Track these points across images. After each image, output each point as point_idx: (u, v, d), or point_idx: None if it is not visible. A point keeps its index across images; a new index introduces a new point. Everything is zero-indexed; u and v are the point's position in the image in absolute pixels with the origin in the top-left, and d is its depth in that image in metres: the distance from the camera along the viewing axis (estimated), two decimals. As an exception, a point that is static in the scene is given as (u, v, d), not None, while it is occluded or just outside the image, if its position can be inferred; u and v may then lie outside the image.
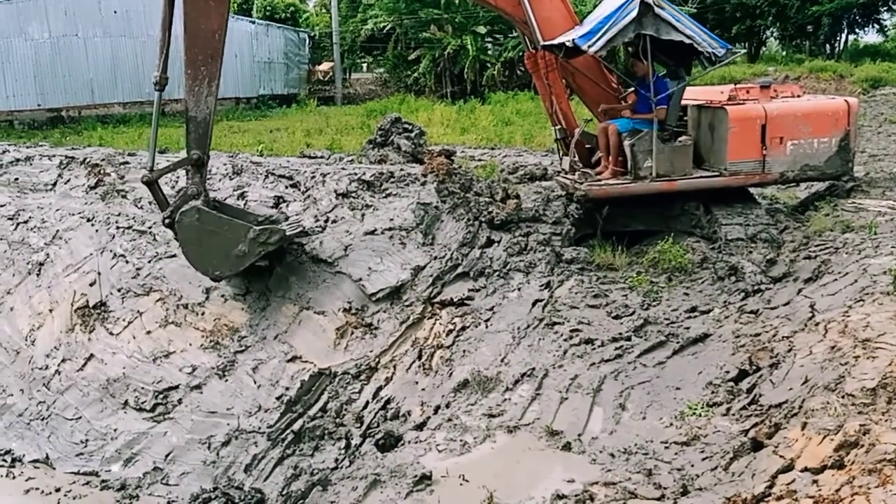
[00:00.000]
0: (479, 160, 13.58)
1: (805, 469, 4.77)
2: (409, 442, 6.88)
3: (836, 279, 7.64)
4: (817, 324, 6.73)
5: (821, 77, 22.21)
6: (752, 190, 10.39)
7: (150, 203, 10.83)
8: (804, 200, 10.94)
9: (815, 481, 4.62)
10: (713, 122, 9.64)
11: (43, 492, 8.30)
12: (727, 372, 6.72)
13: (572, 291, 8.66)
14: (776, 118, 9.49)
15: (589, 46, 8.59)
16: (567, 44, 8.90)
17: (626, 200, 9.49)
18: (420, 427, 7.20)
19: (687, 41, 8.77)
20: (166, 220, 8.36)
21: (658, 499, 5.20)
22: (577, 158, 9.75)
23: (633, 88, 10.01)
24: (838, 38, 28.50)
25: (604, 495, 5.37)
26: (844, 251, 8.31)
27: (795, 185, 11.63)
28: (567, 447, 6.24)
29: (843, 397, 5.24)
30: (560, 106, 9.65)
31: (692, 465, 5.53)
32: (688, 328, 7.73)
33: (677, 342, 7.48)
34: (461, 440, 6.52)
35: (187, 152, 8.29)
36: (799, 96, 10.25)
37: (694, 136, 9.80)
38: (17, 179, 12.18)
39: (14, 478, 8.62)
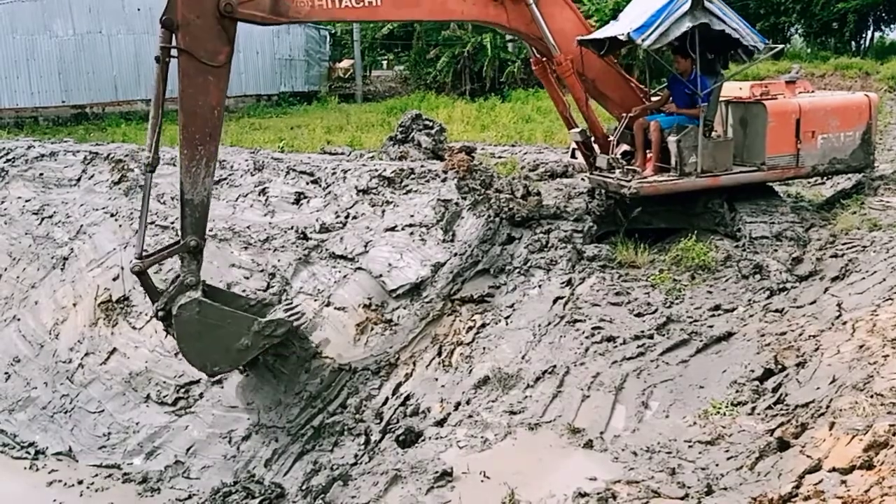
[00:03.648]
0: (500, 157, 13.52)
1: (833, 469, 4.68)
2: (430, 438, 6.86)
3: (863, 277, 7.51)
4: (845, 322, 6.62)
5: (846, 74, 21.88)
6: (777, 188, 10.30)
7: (172, 199, 10.91)
8: (830, 198, 10.79)
9: (843, 482, 4.53)
10: (746, 118, 9.63)
11: (66, 484, 8.40)
12: (752, 371, 6.62)
13: (594, 289, 8.59)
14: (809, 112, 9.57)
15: (643, 40, 8.55)
16: (620, 37, 8.83)
17: (670, 198, 9.42)
18: (440, 423, 7.17)
19: (734, 34, 8.75)
20: (160, 313, 7.58)
21: (682, 498, 5.13)
22: (619, 157, 9.64)
23: (663, 86, 9.95)
24: (864, 36, 28.08)
25: (626, 494, 5.30)
26: (872, 249, 8.18)
27: (822, 179, 11.58)
28: (589, 445, 6.18)
29: (871, 397, 5.14)
30: (582, 110, 9.58)
31: (717, 465, 5.45)
32: (711, 326, 7.63)
33: (701, 340, 7.39)
34: (482, 437, 6.48)
35: (182, 237, 7.47)
36: (812, 92, 10.35)
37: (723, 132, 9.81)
38: (41, 175, 12.32)
39: (37, 470, 8.74)
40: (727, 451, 5.58)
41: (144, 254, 7.49)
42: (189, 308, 7.41)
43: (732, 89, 9.93)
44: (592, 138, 9.88)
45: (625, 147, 9.97)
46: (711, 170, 9.23)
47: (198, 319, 7.46)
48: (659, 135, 9.37)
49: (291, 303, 8.99)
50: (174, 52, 7.05)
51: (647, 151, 9.62)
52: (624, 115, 9.65)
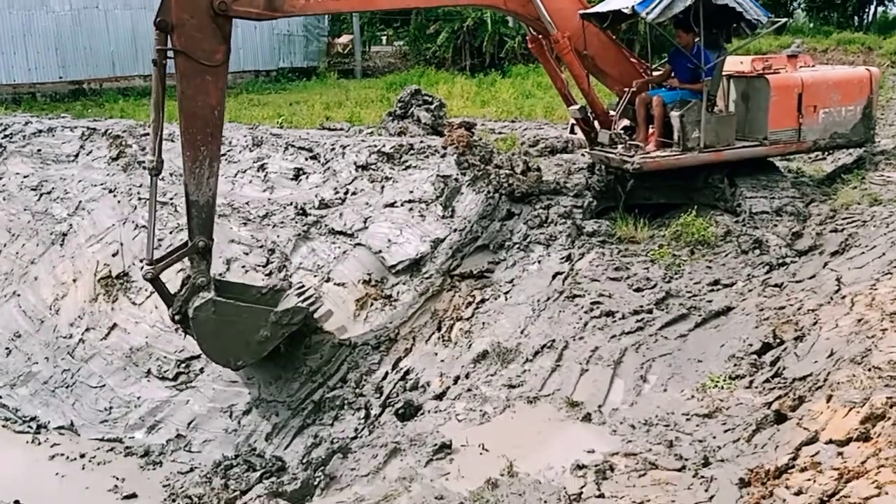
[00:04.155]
0: (500, 133, 13.46)
1: (830, 441, 4.70)
2: (429, 411, 6.91)
3: (863, 252, 7.51)
4: (844, 297, 6.63)
5: (848, 49, 21.74)
6: (777, 163, 10.28)
7: (171, 174, 10.87)
8: (831, 173, 10.76)
9: (840, 453, 4.56)
10: (748, 92, 9.59)
11: (68, 458, 8.47)
12: (750, 345, 6.64)
13: (593, 264, 8.59)
14: (811, 87, 9.55)
15: (647, 13, 8.48)
16: (625, 10, 8.76)
17: (671, 173, 9.39)
18: (440, 397, 7.21)
19: (737, 8, 8.69)
20: (176, 316, 7.64)
21: (679, 470, 5.17)
22: (622, 131, 9.60)
23: (664, 60, 9.88)
24: (867, 10, 27.85)
25: (624, 466, 5.34)
26: (872, 224, 8.16)
27: (823, 154, 11.56)
28: (587, 418, 6.22)
29: (869, 370, 5.15)
30: (581, 87, 9.51)
31: (714, 437, 5.48)
32: (710, 301, 7.64)
33: (699, 315, 7.41)
34: (481, 410, 6.52)
35: (190, 239, 7.48)
36: (813, 66, 10.32)
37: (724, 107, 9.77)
38: (39, 151, 12.27)
39: (39, 444, 8.80)
40: (724, 423, 5.61)
41: (155, 259, 7.47)
42: (205, 309, 7.45)
43: (733, 64, 9.87)
44: (592, 114, 9.83)
45: (625, 122, 9.93)
46: (714, 145, 9.20)
47: (214, 318, 7.50)
48: (662, 110, 9.32)
49: (302, 286, 8.97)
50: (170, 53, 6.95)
51: (649, 126, 9.57)
52: (626, 89, 9.59)
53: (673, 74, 9.69)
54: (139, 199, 10.78)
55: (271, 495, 5.51)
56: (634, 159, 9.01)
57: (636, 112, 9.61)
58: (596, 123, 9.82)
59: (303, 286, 8.96)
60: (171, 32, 6.86)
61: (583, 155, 11.16)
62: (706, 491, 4.79)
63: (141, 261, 10.10)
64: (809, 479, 4.45)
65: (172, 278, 8.41)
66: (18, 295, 10.66)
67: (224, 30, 7.10)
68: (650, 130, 9.55)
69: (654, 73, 9.97)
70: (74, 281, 10.40)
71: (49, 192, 11.58)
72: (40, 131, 12.62)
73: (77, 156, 11.97)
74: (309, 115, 16.33)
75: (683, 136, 9.09)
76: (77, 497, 7.57)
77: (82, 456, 8.47)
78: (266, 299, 8.29)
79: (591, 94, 9.59)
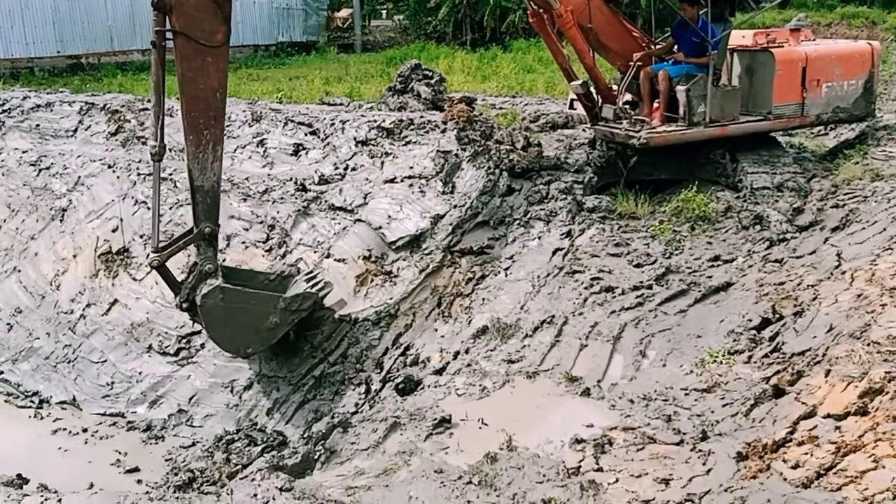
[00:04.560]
0: (501, 108, 13.38)
1: (828, 416, 4.74)
2: (429, 386, 6.94)
3: (864, 227, 7.50)
4: (844, 272, 6.63)
5: (852, 24, 21.54)
6: (779, 138, 10.23)
7: (170, 150, 10.81)
8: (833, 149, 10.72)
9: (837, 427, 4.59)
10: (752, 66, 9.55)
11: (70, 432, 8.52)
12: (749, 320, 6.66)
13: (593, 240, 8.59)
14: (815, 61, 9.53)
15: None
16: None
17: (673, 148, 9.34)
18: (439, 372, 7.24)
19: None
20: (184, 304, 7.51)
21: (677, 444, 5.20)
22: (627, 107, 9.52)
23: (667, 35, 9.79)
24: (872, -16, 27.55)
25: (622, 440, 5.38)
26: (873, 199, 8.14)
27: (826, 129, 11.54)
28: (586, 393, 6.25)
29: (868, 345, 5.17)
30: (584, 62, 9.43)
31: (712, 412, 5.52)
32: (710, 277, 7.65)
33: (699, 291, 7.42)
34: (480, 385, 6.55)
35: (196, 225, 7.32)
36: (814, 40, 10.31)
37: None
38: (38, 126, 12.21)
39: (42, 418, 8.85)
40: (723, 398, 5.64)
41: (161, 246, 7.34)
42: (212, 296, 7.32)
43: (735, 38, 9.79)
44: (594, 89, 9.75)
45: (627, 97, 9.86)
46: (719, 119, 9.17)
47: (223, 306, 7.38)
48: (667, 84, 9.25)
49: (311, 271, 8.89)
50: (169, 35, 6.78)
51: (654, 101, 9.51)
52: (631, 63, 9.50)
53: (676, 48, 9.61)
54: (138, 174, 10.75)
55: (272, 469, 5.55)
56: (641, 134, 8.94)
57: (640, 86, 9.54)
58: (598, 99, 9.75)
59: (312, 272, 8.88)
60: (170, 13, 6.68)
61: (584, 130, 11.10)
62: (704, 464, 4.83)
63: (141, 237, 10.15)
64: (807, 453, 4.49)
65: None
66: (19, 270, 10.67)
67: (224, 9, 6.92)
68: (654, 105, 9.48)
69: (657, 47, 9.88)
70: (75, 257, 10.40)
71: (48, 168, 11.53)
72: (38, 106, 12.54)
73: (76, 131, 11.91)
74: (308, 90, 16.23)
75: (689, 111, 9.04)
76: (80, 471, 7.61)
77: (85, 430, 8.52)
78: (274, 285, 8.21)
79: (594, 70, 9.51)
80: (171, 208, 10.20)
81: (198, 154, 7.06)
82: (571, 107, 10.95)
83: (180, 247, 7.52)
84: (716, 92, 9.07)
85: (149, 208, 10.34)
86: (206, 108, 7.01)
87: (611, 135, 9.49)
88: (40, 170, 11.59)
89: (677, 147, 9.33)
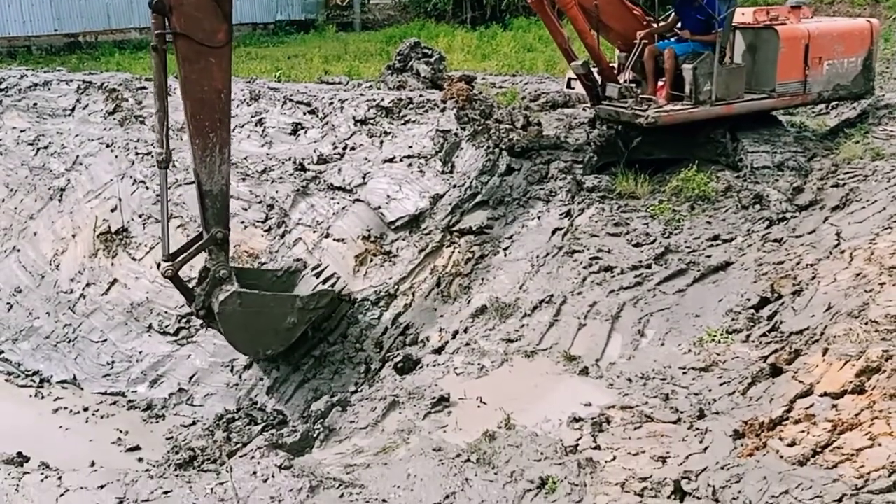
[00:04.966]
0: (500, 87, 13.31)
1: (824, 394, 4.75)
2: (428, 365, 6.96)
3: (864, 207, 7.48)
4: (843, 251, 6.62)
5: (855, 1, 21.35)
6: (780, 117, 10.20)
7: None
8: (834, 128, 10.67)
9: (834, 406, 4.61)
10: (755, 44, 9.49)
11: (71, 411, 8.56)
12: (748, 300, 6.66)
13: (593, 220, 8.57)
14: (817, 38, 9.51)
15: None
16: None
17: (674, 127, 9.28)
18: (438, 351, 7.27)
19: None
20: (200, 312, 7.39)
21: (674, 422, 5.23)
22: (634, 85, 9.44)
23: (668, 13, 9.71)
24: (877, -39, 27.28)
25: (620, 418, 5.41)
26: (874, 178, 8.12)
27: (827, 107, 11.52)
28: (584, 372, 6.27)
29: (866, 324, 5.18)
30: (586, 42, 9.35)
31: (709, 390, 5.54)
32: (709, 256, 7.64)
33: (698, 270, 7.41)
34: (479, 364, 6.57)
35: (206, 231, 7.15)
36: (812, 17, 10.28)
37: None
38: (35, 105, 12.14)
39: (43, 397, 8.89)
40: (720, 377, 5.66)
41: (171, 254, 7.15)
42: (230, 302, 7.21)
43: (735, 15, 9.71)
44: (595, 69, 9.67)
45: (628, 76, 9.78)
46: (725, 98, 9.13)
47: (241, 311, 7.28)
48: (673, 62, 9.18)
49: (319, 265, 8.83)
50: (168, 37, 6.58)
51: (658, 80, 9.44)
52: (634, 42, 9.42)
53: (680, 26, 9.53)
54: (136, 153, 10.72)
55: (271, 447, 5.58)
56: (648, 113, 8.87)
57: (644, 65, 9.46)
58: (598, 78, 9.67)
59: (319, 265, 8.80)
60: (169, 14, 6.46)
61: (584, 110, 11.04)
62: (700, 442, 4.86)
63: (140, 216, 10.14)
64: (803, 431, 4.51)
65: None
66: (18, 250, 10.67)
67: (224, 7, 6.71)
68: (659, 84, 9.42)
69: (660, 24, 9.79)
70: (74, 236, 10.39)
71: (46, 147, 11.49)
72: (36, 85, 12.47)
73: (73, 110, 11.85)
74: (307, 69, 16.13)
75: (696, 90, 8.99)
76: (81, 449, 7.66)
77: (86, 409, 8.56)
78: (282, 282, 8.16)
79: (596, 49, 9.43)
80: (168, 188, 10.14)
81: (205, 158, 6.89)
82: (569, 86, 10.88)
83: (192, 254, 7.34)
84: (721, 70, 9.02)
85: (147, 188, 10.33)
86: (211, 110, 6.83)
87: (616, 114, 9.40)
88: (38, 149, 11.54)
89: (680, 126, 9.28)
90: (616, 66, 9.85)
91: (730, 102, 9.17)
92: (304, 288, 8.37)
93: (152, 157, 10.59)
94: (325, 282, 8.44)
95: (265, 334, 7.55)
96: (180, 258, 7.23)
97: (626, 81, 9.52)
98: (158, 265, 7.25)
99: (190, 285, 7.57)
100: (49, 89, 12.32)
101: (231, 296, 7.22)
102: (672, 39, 9.51)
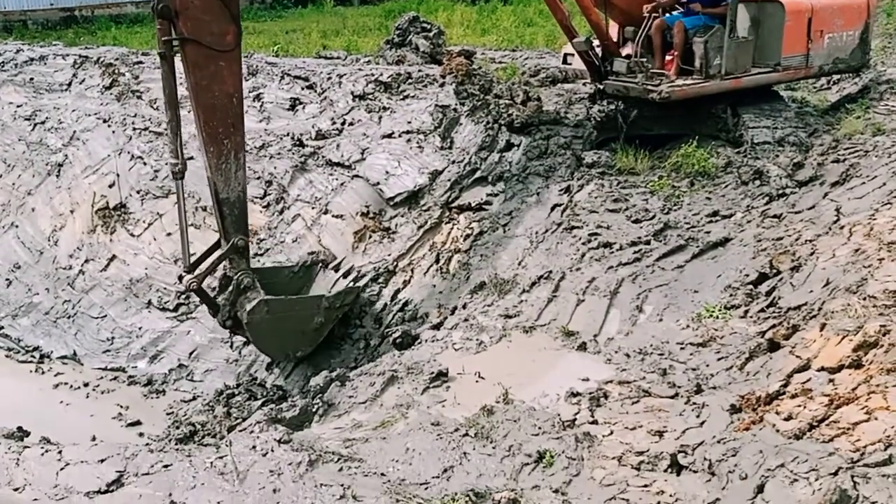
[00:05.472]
0: (500, 62, 13.20)
1: (822, 369, 4.77)
2: (427, 341, 6.97)
3: (864, 182, 7.46)
4: (842, 227, 6.61)
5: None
6: (781, 92, 10.14)
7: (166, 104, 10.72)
8: (835, 103, 10.62)
9: (831, 380, 4.63)
10: (759, 17, 9.42)
11: (72, 386, 8.59)
12: (746, 275, 6.66)
13: (592, 196, 8.55)
14: (819, 11, 9.48)
15: None
16: None
17: (678, 102, 9.20)
18: (437, 327, 7.28)
19: None
20: (227, 322, 7.23)
21: (671, 397, 5.25)
22: (644, 60, 9.33)
23: None
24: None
25: (618, 393, 5.43)
26: (874, 154, 8.09)
27: (828, 83, 11.48)
28: (582, 347, 6.29)
29: (864, 299, 5.18)
30: (591, 18, 9.25)
31: (707, 365, 5.55)
32: (708, 232, 7.63)
33: (697, 246, 7.40)
34: (477, 339, 6.59)
35: (226, 239, 6.94)
36: None
37: None
38: (32, 79, 12.07)
39: (43, 373, 8.92)
40: (718, 352, 5.67)
41: (192, 263, 6.97)
42: (258, 311, 7.10)
43: None
44: (597, 45, 9.58)
45: (628, 51, 9.70)
46: (733, 71, 9.10)
47: (269, 318, 7.18)
48: (683, 36, 9.11)
49: (334, 257, 8.74)
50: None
51: (665, 54, 9.35)
52: (645, 15, 9.31)
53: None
54: (133, 128, 10.66)
55: (270, 421, 5.60)
56: (662, 88, 8.78)
57: (651, 39, 9.37)
58: (604, 54, 9.56)
59: (334, 257, 8.70)
60: (176, 19, 6.21)
61: (584, 85, 10.96)
62: (697, 417, 4.88)
63: (138, 192, 10.11)
64: (800, 405, 4.53)
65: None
66: (16, 226, 10.65)
67: (232, 7, 6.47)
68: (667, 58, 9.34)
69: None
70: (72, 212, 10.38)
71: (43, 122, 11.44)
72: (32, 59, 12.39)
73: (70, 85, 11.77)
74: (305, 44, 16.01)
75: (706, 63, 8.93)
76: (82, 424, 7.68)
77: (86, 385, 8.60)
78: (299, 278, 8.10)
79: (600, 25, 9.34)
80: (167, 164, 10.11)
81: (220, 165, 6.67)
82: (565, 62, 10.80)
83: (214, 265, 7.15)
84: (731, 44, 8.96)
85: (145, 163, 10.29)
86: (224, 116, 6.61)
87: (625, 89, 9.27)
88: (35, 124, 11.49)
89: (684, 101, 9.21)
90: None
91: (738, 76, 9.14)
92: (323, 283, 8.27)
93: (149, 131, 10.57)
94: (345, 276, 8.32)
95: (293, 337, 7.48)
96: (203, 271, 7.04)
97: (635, 55, 9.41)
98: (185, 282, 6.97)
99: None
100: (45, 64, 12.24)
101: (258, 304, 7.09)
102: (677, 13, 9.41)
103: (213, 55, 6.42)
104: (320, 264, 8.49)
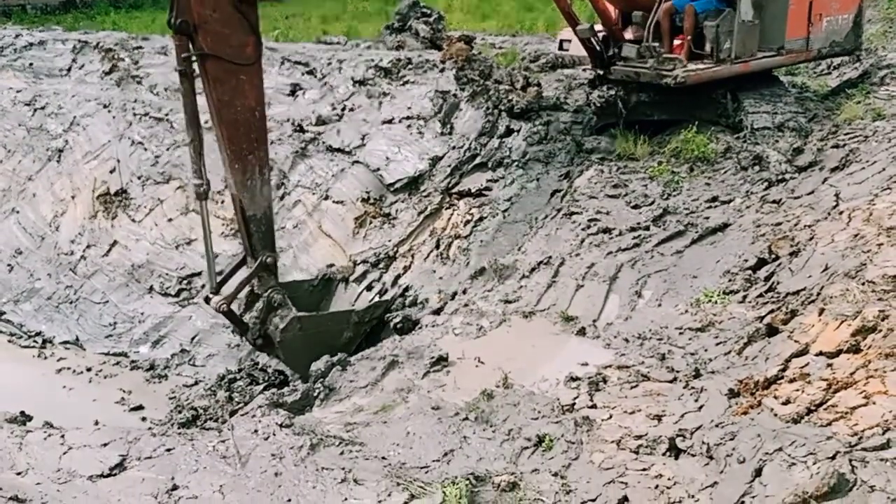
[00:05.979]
0: (500, 47, 13.17)
1: (820, 353, 4.79)
2: (427, 326, 7.00)
3: (863, 167, 7.46)
4: (841, 212, 6.62)
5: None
6: (781, 77, 10.14)
7: (165, 90, 10.71)
8: (835, 88, 10.60)
9: (829, 365, 4.65)
10: (763, 1, 9.38)
11: (75, 371, 8.64)
12: (745, 261, 6.67)
13: (592, 181, 8.56)
14: None
15: None
16: None
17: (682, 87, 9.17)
18: (437, 312, 7.31)
19: None
20: (258, 341, 7.14)
21: (670, 381, 5.27)
22: (657, 45, 9.27)
23: None
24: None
25: (616, 378, 5.45)
26: (874, 139, 8.08)
27: (828, 68, 11.51)
28: (582, 332, 6.31)
29: (863, 284, 5.20)
30: (596, 5, 9.23)
31: (706, 350, 5.58)
32: (707, 218, 7.64)
33: (696, 231, 7.41)
34: (477, 324, 6.61)
35: (254, 257, 6.77)
36: None
37: None
38: (31, 65, 12.05)
39: (46, 358, 8.97)
40: (717, 337, 5.69)
41: (218, 283, 6.84)
42: (291, 329, 7.03)
43: None
44: (599, 31, 9.54)
45: (629, 35, 9.67)
46: (741, 55, 9.10)
47: (301, 335, 7.11)
48: (693, 20, 9.08)
49: (353, 268, 8.64)
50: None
51: (673, 38, 9.33)
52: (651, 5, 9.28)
53: None
54: (134, 114, 10.66)
55: (272, 405, 5.64)
56: (676, 73, 8.74)
57: (659, 23, 9.33)
58: (609, 40, 9.51)
59: (354, 268, 8.57)
60: (195, 34, 6.01)
61: (583, 70, 10.93)
62: (696, 401, 4.91)
63: (139, 178, 10.12)
64: (798, 390, 4.56)
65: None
66: (18, 212, 10.67)
67: (251, 18, 6.24)
68: (676, 42, 9.31)
69: None
70: (73, 198, 10.39)
71: (43, 108, 11.43)
72: (31, 44, 12.37)
73: (70, 70, 11.76)
74: (305, 29, 15.96)
75: (717, 47, 8.93)
76: (85, 408, 7.73)
77: (89, 370, 8.64)
78: (318, 291, 8.07)
79: (607, 12, 9.32)
80: (168, 149, 10.14)
81: (245, 182, 6.52)
82: (561, 48, 10.77)
83: (243, 285, 6.95)
84: (741, 27, 8.96)
85: (146, 149, 10.30)
86: (247, 131, 6.44)
87: (635, 74, 9.21)
88: (35, 109, 11.49)
89: (690, 86, 9.16)
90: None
91: (746, 60, 9.14)
92: (345, 296, 8.23)
93: (150, 117, 10.57)
94: (368, 289, 8.26)
95: (322, 352, 7.31)
96: (232, 292, 6.87)
97: (645, 40, 9.36)
98: (214, 304, 6.77)
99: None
100: (45, 49, 12.22)
101: (291, 322, 7.00)
102: None
103: (233, 69, 6.23)
104: (338, 278, 8.39)
